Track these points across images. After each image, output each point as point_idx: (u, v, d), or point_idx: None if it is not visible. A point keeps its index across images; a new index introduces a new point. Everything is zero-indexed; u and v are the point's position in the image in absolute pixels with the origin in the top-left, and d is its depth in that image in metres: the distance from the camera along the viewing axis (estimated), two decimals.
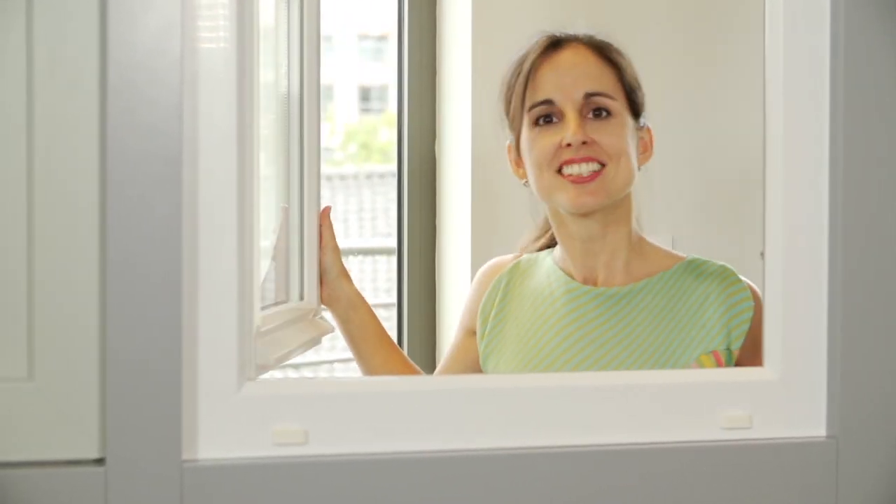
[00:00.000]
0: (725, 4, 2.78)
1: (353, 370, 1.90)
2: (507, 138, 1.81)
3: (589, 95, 1.73)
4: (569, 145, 1.71)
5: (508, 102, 1.78)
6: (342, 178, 5.75)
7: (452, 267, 2.75)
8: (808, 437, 1.40)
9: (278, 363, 1.50)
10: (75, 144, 1.25)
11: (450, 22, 2.76)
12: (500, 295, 1.84)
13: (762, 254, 1.42)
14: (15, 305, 1.25)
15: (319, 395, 1.33)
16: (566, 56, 1.76)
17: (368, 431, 1.33)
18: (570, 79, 1.73)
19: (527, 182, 1.79)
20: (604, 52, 1.76)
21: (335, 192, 5.56)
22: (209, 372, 1.30)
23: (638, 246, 1.79)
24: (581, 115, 1.72)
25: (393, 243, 2.89)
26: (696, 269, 1.76)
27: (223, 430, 1.30)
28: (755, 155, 1.47)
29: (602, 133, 1.72)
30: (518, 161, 1.79)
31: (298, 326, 1.67)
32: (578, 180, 1.71)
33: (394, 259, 2.87)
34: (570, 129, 1.70)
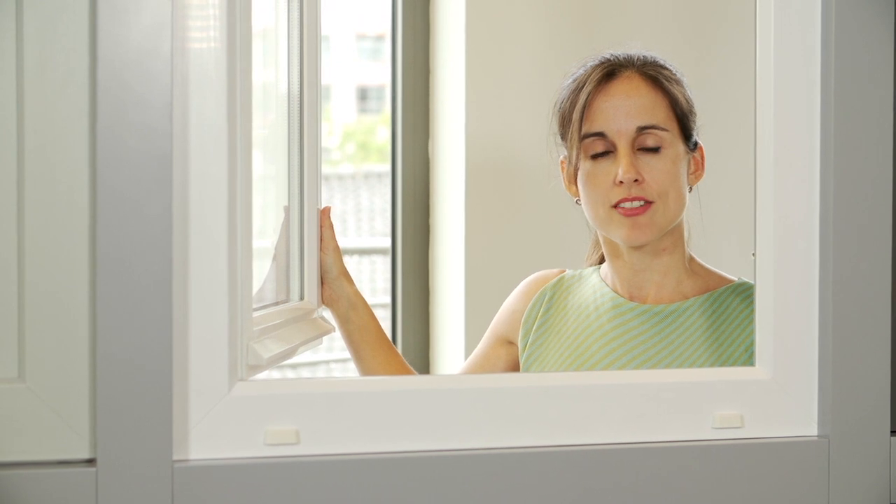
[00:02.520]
0: (722, 4, 2.78)
1: (351, 370, 1.91)
2: (560, 154, 1.82)
3: (641, 129, 1.74)
4: (621, 183, 1.73)
5: (563, 126, 1.81)
6: (340, 177, 5.76)
7: (446, 267, 2.75)
8: (799, 436, 1.40)
9: (271, 363, 1.50)
10: (65, 144, 1.25)
11: (444, 22, 2.77)
12: (543, 307, 1.86)
13: (753, 254, 1.42)
14: (5, 306, 1.25)
15: (311, 395, 1.33)
16: (619, 87, 1.77)
17: (360, 431, 1.33)
18: (622, 112, 1.75)
19: (578, 201, 1.81)
20: (657, 82, 1.77)
21: (333, 192, 5.56)
22: (200, 372, 1.30)
23: (689, 266, 1.81)
24: (633, 148, 1.74)
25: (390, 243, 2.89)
26: (744, 292, 1.78)
27: (214, 431, 1.30)
28: (747, 153, 1.48)
29: (653, 169, 1.74)
30: (571, 179, 1.81)
31: (298, 326, 1.67)
32: (630, 213, 1.74)
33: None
34: (622, 167, 1.73)
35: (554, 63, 2.71)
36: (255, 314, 1.52)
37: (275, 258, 1.70)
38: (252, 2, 1.36)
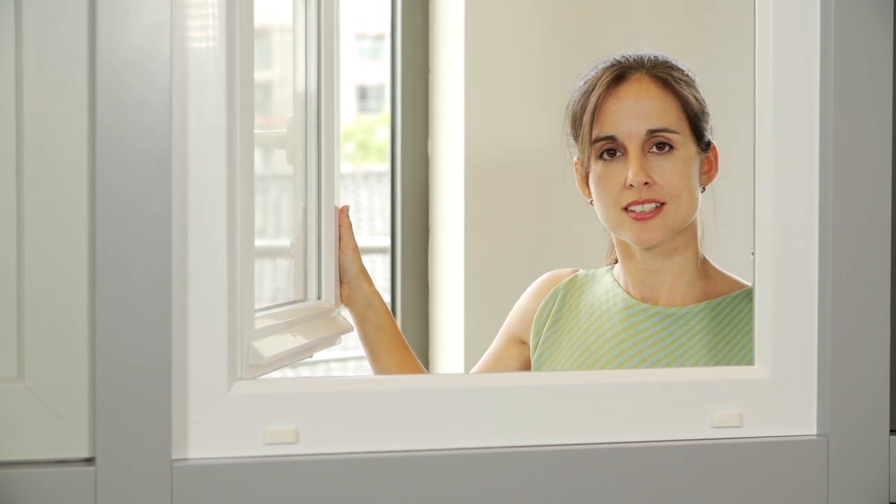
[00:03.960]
0: (721, 4, 2.78)
1: (350, 370, 1.91)
2: (574, 155, 1.83)
3: (651, 132, 1.75)
4: (631, 186, 1.73)
5: (574, 128, 1.81)
6: (339, 177, 5.75)
7: (445, 266, 2.75)
8: (798, 435, 1.40)
9: (276, 362, 1.50)
10: (65, 144, 1.25)
11: (443, 22, 2.77)
12: (556, 306, 1.86)
13: (752, 253, 1.42)
14: (5, 305, 1.26)
15: (310, 395, 1.33)
16: (630, 90, 1.77)
17: (360, 430, 1.34)
18: (632, 115, 1.76)
19: (591, 201, 1.81)
20: (667, 84, 1.77)
21: None
22: (199, 371, 1.30)
23: (702, 268, 1.82)
24: (643, 151, 1.75)
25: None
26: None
27: (213, 430, 1.30)
28: (747, 153, 1.48)
29: (664, 170, 1.75)
30: (584, 180, 1.81)
31: (313, 325, 1.67)
32: (641, 217, 1.74)
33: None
34: (632, 170, 1.73)
35: (553, 63, 2.71)
36: (266, 313, 1.53)
37: (292, 257, 1.71)
38: (253, 1, 1.36)
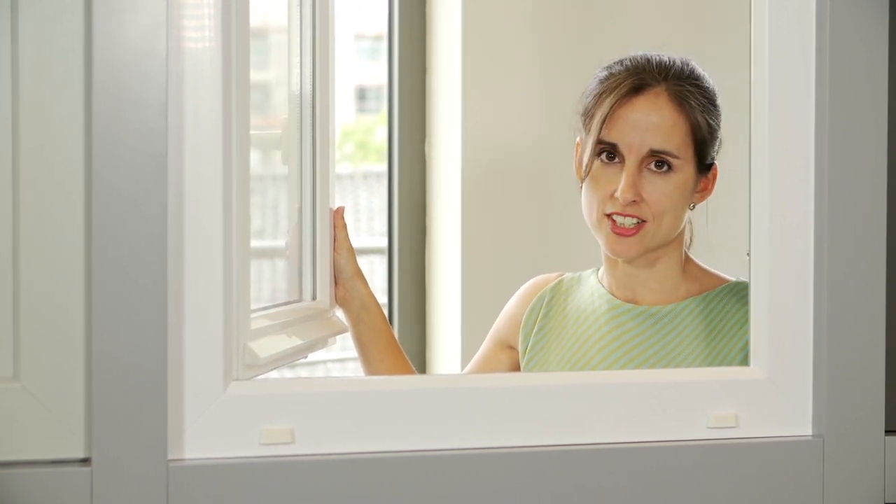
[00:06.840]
0: (718, 6, 2.78)
1: (349, 370, 1.91)
2: (578, 135, 1.82)
3: (654, 151, 1.74)
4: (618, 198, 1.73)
5: (584, 117, 1.80)
6: (338, 177, 5.75)
7: (443, 267, 2.76)
8: (794, 436, 1.40)
9: (271, 363, 1.50)
10: (63, 144, 1.26)
11: (440, 22, 2.77)
12: (542, 311, 1.86)
13: (748, 254, 1.42)
14: (1, 305, 1.26)
15: (306, 395, 1.33)
16: (644, 104, 1.75)
17: (355, 431, 1.34)
18: (640, 129, 1.74)
19: (582, 187, 1.80)
20: (683, 105, 1.76)
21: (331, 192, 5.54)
22: (195, 371, 1.30)
23: (686, 269, 1.82)
24: (640, 166, 1.74)
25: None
26: (740, 291, 1.78)
27: (209, 430, 1.30)
28: (743, 153, 1.48)
29: (655, 189, 1.74)
30: (580, 166, 1.80)
31: (308, 325, 1.67)
32: (619, 231, 1.74)
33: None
34: (622, 185, 1.73)
35: (550, 64, 2.71)
36: (262, 313, 1.53)
37: (287, 258, 1.71)
38: (248, 2, 1.37)
